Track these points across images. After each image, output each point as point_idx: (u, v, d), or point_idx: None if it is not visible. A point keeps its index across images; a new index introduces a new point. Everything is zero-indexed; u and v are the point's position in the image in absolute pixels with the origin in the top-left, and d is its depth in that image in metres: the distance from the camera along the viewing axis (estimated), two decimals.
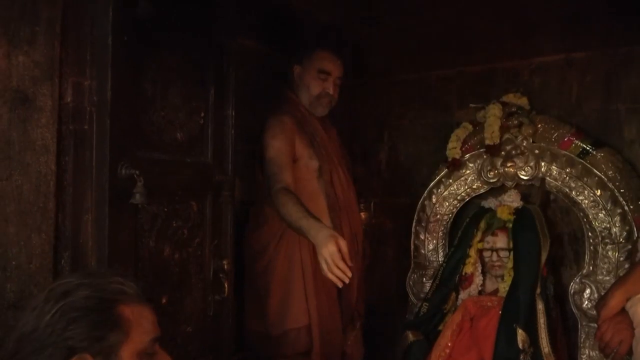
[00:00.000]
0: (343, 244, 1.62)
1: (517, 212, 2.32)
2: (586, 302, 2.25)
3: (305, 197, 2.16)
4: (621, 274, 2.20)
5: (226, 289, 1.91)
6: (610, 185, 2.21)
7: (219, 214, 1.91)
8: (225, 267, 1.90)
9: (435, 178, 2.60)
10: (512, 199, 2.35)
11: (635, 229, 2.16)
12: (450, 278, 2.38)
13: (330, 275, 1.62)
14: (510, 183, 2.42)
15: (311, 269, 2.12)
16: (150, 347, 1.04)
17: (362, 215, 2.50)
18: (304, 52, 2.28)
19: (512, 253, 2.27)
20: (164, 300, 1.71)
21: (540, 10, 2.16)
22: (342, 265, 1.60)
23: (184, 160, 1.78)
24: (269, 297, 2.13)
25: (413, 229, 2.63)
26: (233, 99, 1.98)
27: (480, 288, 2.38)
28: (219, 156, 1.91)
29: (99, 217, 1.48)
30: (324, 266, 1.62)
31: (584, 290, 2.26)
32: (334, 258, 1.60)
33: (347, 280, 1.61)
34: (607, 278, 2.22)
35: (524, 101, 2.44)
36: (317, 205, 2.18)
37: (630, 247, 2.18)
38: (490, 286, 2.37)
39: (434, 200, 2.58)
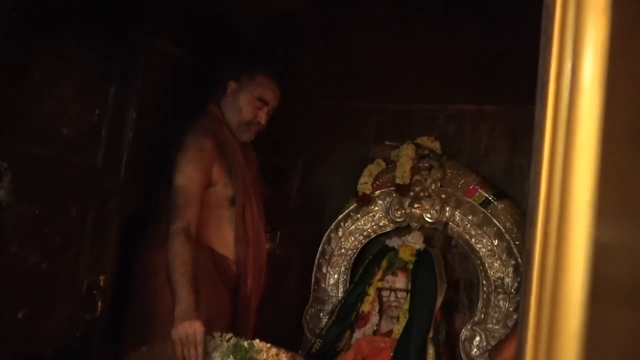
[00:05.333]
0: (199, 332, 1.63)
1: (419, 253, 2.32)
2: (475, 350, 2.28)
3: (212, 226, 2.02)
4: (510, 324, 2.26)
5: (99, 308, 1.72)
6: (507, 236, 2.27)
7: (103, 224, 1.74)
8: (102, 283, 1.72)
9: (344, 211, 2.57)
10: (415, 240, 2.36)
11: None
12: (347, 315, 2.32)
13: (179, 355, 1.62)
14: (415, 224, 2.43)
15: (207, 300, 1.98)
16: None
17: (266, 245, 2.40)
18: (245, 70, 2.12)
19: (409, 294, 2.26)
20: (19, 315, 1.50)
21: (459, 60, 2.23)
22: (193, 351, 1.61)
23: (68, 159, 1.61)
24: (155, 323, 1.94)
25: (316, 261, 2.56)
26: (137, 101, 1.83)
27: (375, 328, 2.33)
28: (111, 160, 1.75)
29: None
30: (177, 346, 1.62)
31: (474, 338, 2.29)
32: (189, 341, 1.62)
33: None
34: (497, 327, 2.27)
35: (436, 145, 2.48)
36: (223, 235, 2.04)
37: (519, 298, 2.24)
38: (385, 326, 2.34)
39: (340, 233, 2.53)
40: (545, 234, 0.67)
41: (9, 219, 1.42)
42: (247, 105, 2.08)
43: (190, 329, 1.61)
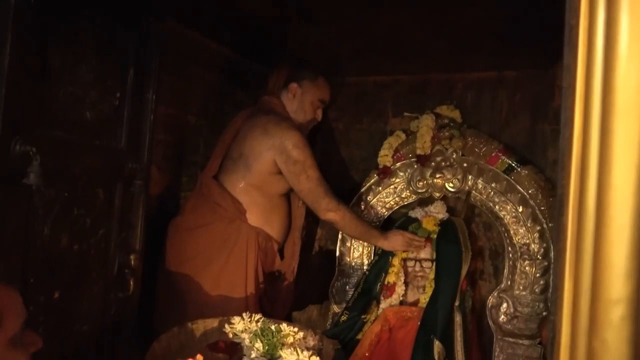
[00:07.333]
0: (407, 234, 2.29)
1: (442, 223, 2.32)
2: (502, 316, 2.28)
3: (265, 210, 2.17)
4: (537, 290, 2.25)
5: (131, 287, 1.77)
6: (531, 202, 2.25)
7: (129, 204, 1.78)
8: (132, 262, 1.77)
9: (365, 185, 2.57)
10: (438, 210, 2.35)
11: (552, 247, 2.20)
12: (373, 287, 2.34)
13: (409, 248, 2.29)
14: (437, 194, 2.42)
15: (254, 278, 2.07)
16: (21, 330, 0.99)
17: None
18: (306, 75, 2.32)
19: (434, 264, 2.26)
20: (56, 295, 1.55)
21: (475, 28, 2.18)
22: (413, 241, 2.27)
23: (92, 143, 1.64)
24: (188, 304, 1.99)
25: (340, 235, 2.57)
26: (155, 84, 1.85)
27: (401, 298, 2.35)
28: (133, 142, 1.78)
29: None
30: (404, 248, 2.29)
31: (501, 305, 2.28)
32: (408, 244, 2.27)
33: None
34: (524, 293, 2.26)
35: (456, 114, 2.45)
36: (271, 218, 2.18)
37: (546, 263, 2.23)
38: (411, 296, 2.35)
39: (362, 207, 2.54)
40: (581, 185, 0.62)
41: (40, 202, 1.47)
42: (310, 107, 2.31)
43: (403, 240, 2.24)
